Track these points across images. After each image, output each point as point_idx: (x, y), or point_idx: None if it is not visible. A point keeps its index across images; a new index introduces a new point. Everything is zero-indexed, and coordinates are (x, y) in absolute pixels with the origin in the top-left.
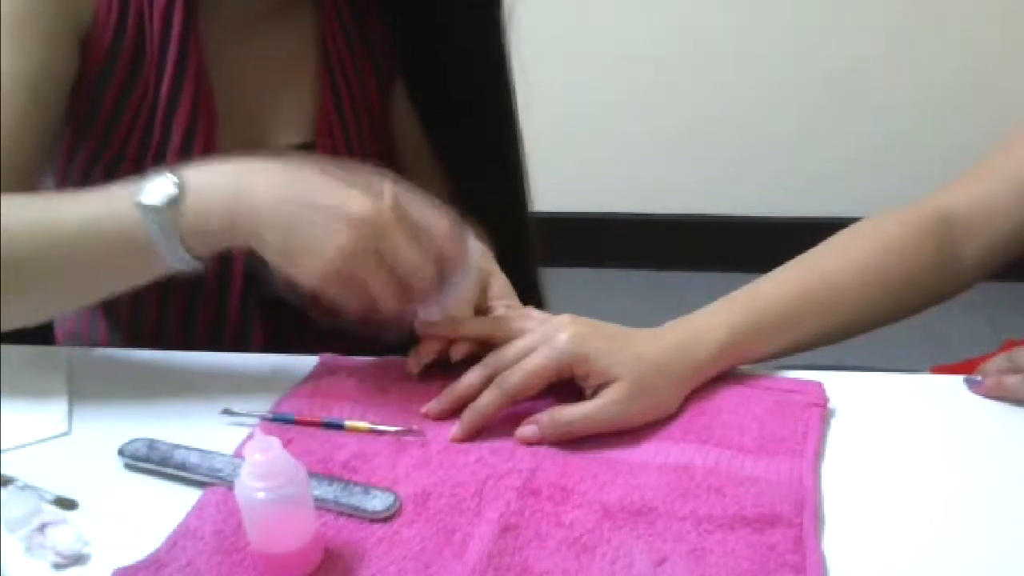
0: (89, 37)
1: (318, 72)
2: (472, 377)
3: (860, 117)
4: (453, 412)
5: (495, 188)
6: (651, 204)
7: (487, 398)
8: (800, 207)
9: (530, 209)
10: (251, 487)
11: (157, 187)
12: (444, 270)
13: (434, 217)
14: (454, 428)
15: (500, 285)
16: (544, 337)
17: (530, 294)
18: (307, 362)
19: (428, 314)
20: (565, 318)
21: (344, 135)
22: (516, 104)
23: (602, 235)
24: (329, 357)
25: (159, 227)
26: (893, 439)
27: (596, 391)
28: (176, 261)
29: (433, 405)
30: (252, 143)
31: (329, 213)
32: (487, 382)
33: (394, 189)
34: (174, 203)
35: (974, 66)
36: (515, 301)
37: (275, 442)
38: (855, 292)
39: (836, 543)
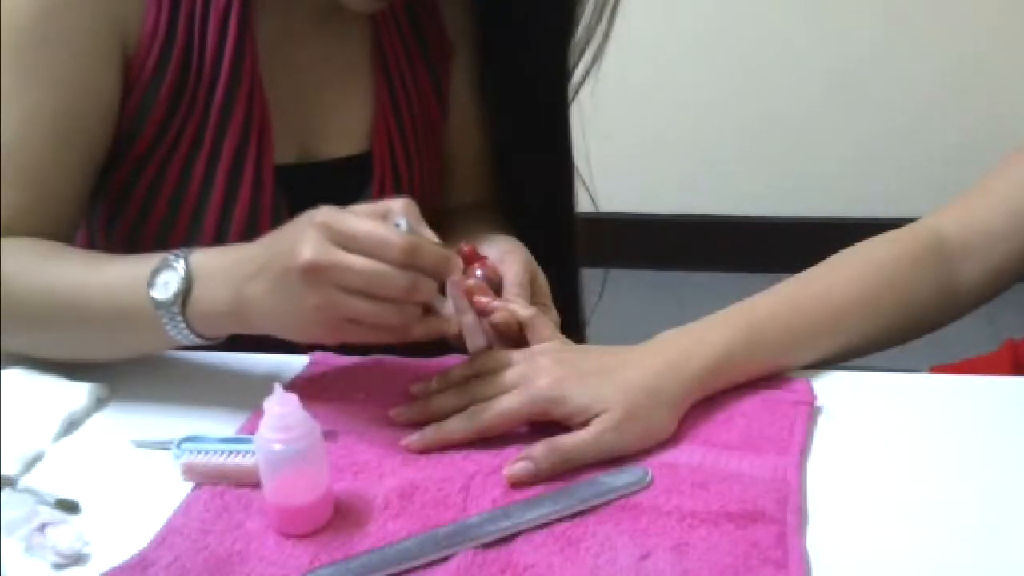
0: (136, 54)
1: (374, 77)
2: (447, 401)
3: (860, 117)
4: (419, 425)
5: (544, 187)
6: (651, 204)
7: (456, 425)
8: (800, 207)
9: (576, 209)
10: (268, 439)
11: (167, 281)
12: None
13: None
14: (413, 434)
15: (513, 273)
16: (522, 378)
17: (570, 294)
18: (299, 361)
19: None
20: (546, 360)
21: (402, 143)
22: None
23: (602, 235)
24: (320, 355)
25: (169, 317)
26: (892, 439)
27: (583, 425)
28: (186, 341)
29: (402, 411)
30: (304, 156)
31: (290, 280)
32: (460, 409)
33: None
34: (181, 297)
35: (974, 66)
36: (526, 292)
37: (293, 398)
38: (853, 313)
39: (828, 541)
